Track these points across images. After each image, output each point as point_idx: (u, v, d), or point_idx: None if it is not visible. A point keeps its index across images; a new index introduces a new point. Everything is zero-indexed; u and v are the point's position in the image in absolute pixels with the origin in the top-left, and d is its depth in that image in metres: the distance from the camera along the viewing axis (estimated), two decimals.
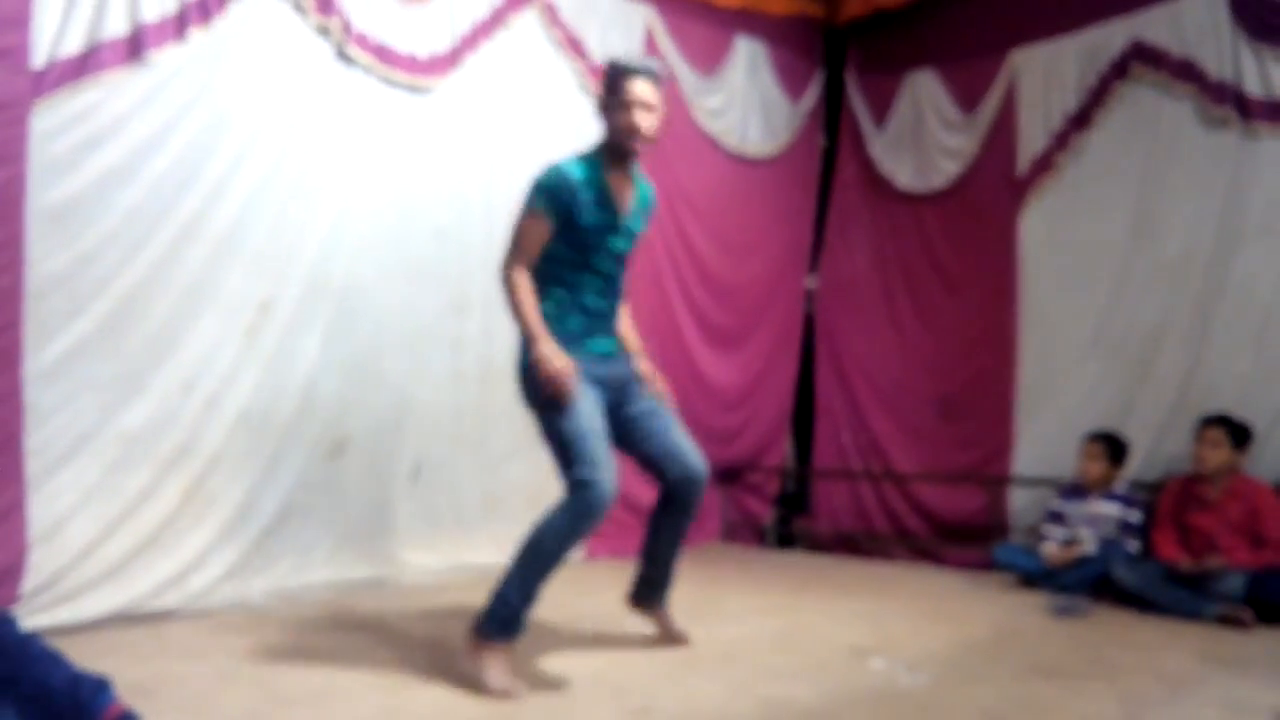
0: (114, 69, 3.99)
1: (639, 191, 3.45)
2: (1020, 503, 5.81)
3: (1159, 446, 5.23)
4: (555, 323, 3.26)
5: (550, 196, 3.23)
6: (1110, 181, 5.70)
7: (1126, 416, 5.40)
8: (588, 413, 3.19)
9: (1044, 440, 5.73)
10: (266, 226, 4.46)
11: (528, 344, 3.20)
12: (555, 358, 3.13)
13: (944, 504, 6.25)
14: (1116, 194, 5.67)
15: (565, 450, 3.15)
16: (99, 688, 1.95)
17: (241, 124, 4.39)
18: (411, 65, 4.92)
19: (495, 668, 3.09)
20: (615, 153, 3.34)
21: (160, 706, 2.74)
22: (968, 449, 6.22)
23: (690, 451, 3.49)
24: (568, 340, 3.25)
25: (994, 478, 5.99)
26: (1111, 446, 5.01)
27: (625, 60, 3.32)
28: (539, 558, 3.13)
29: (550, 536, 3.12)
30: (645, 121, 3.29)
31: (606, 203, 3.31)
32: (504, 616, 3.14)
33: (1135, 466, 5.22)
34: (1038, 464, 5.72)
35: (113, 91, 4.00)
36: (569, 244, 3.28)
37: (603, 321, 3.40)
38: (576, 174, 3.26)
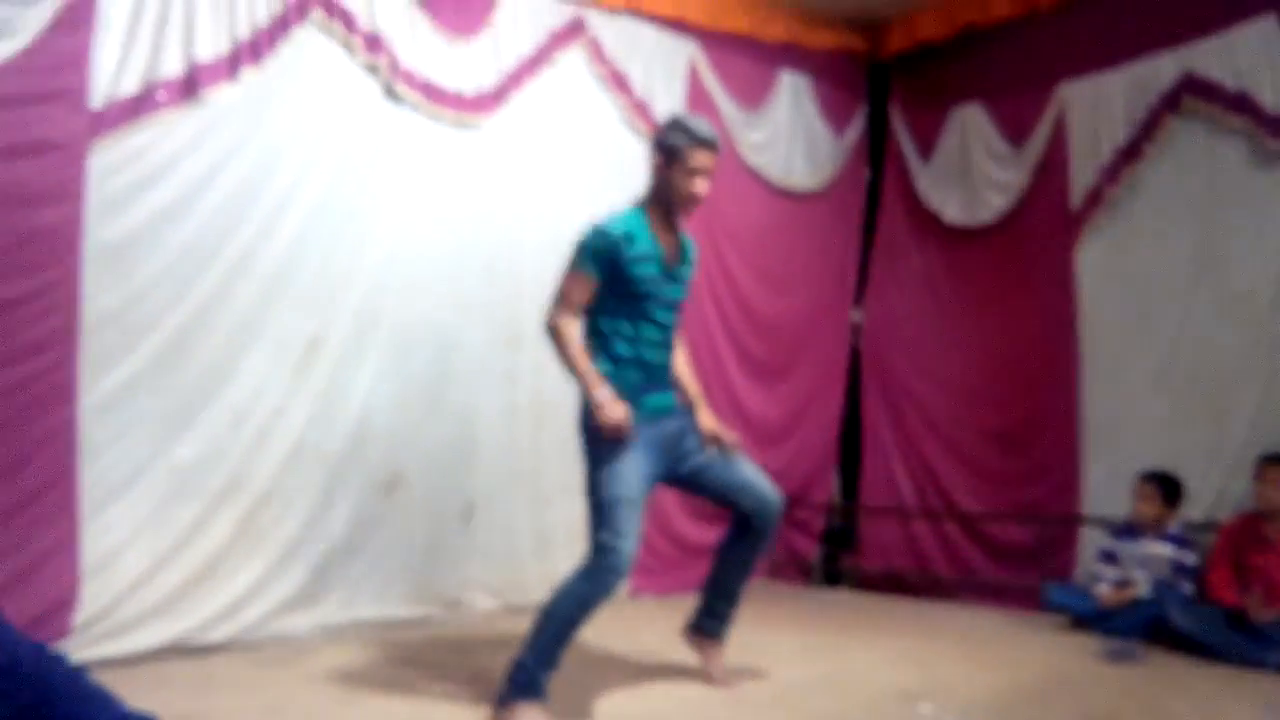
0: (169, 108, 4.06)
1: (681, 242, 3.48)
2: (1088, 541, 5.68)
3: (1229, 486, 5.09)
4: (618, 374, 3.29)
5: (594, 257, 3.27)
6: (1168, 215, 5.61)
7: (1195, 454, 5.29)
8: (631, 480, 3.20)
9: (1112, 477, 5.53)
10: (316, 263, 4.51)
11: (583, 390, 3.24)
12: (611, 403, 3.16)
13: (1001, 541, 6.16)
14: (1175, 228, 5.57)
15: (597, 512, 3.20)
16: None
17: (291, 161, 4.44)
18: (458, 102, 4.97)
19: (526, 716, 3.09)
20: (665, 209, 3.39)
21: None
22: (1030, 485, 6.12)
23: (764, 482, 3.53)
24: (628, 397, 3.27)
25: (1052, 516, 5.89)
26: (1165, 487, 4.91)
27: (693, 126, 3.34)
28: (556, 622, 3.15)
29: (565, 601, 3.15)
30: (704, 190, 3.35)
31: (655, 253, 3.34)
32: (523, 683, 3.14)
33: (1205, 506, 5.12)
34: (1106, 502, 5.59)
35: (167, 131, 4.07)
36: (623, 297, 3.30)
37: (660, 374, 3.42)
38: (621, 229, 3.29)
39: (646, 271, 3.31)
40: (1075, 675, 4.05)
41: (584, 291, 3.28)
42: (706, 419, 3.54)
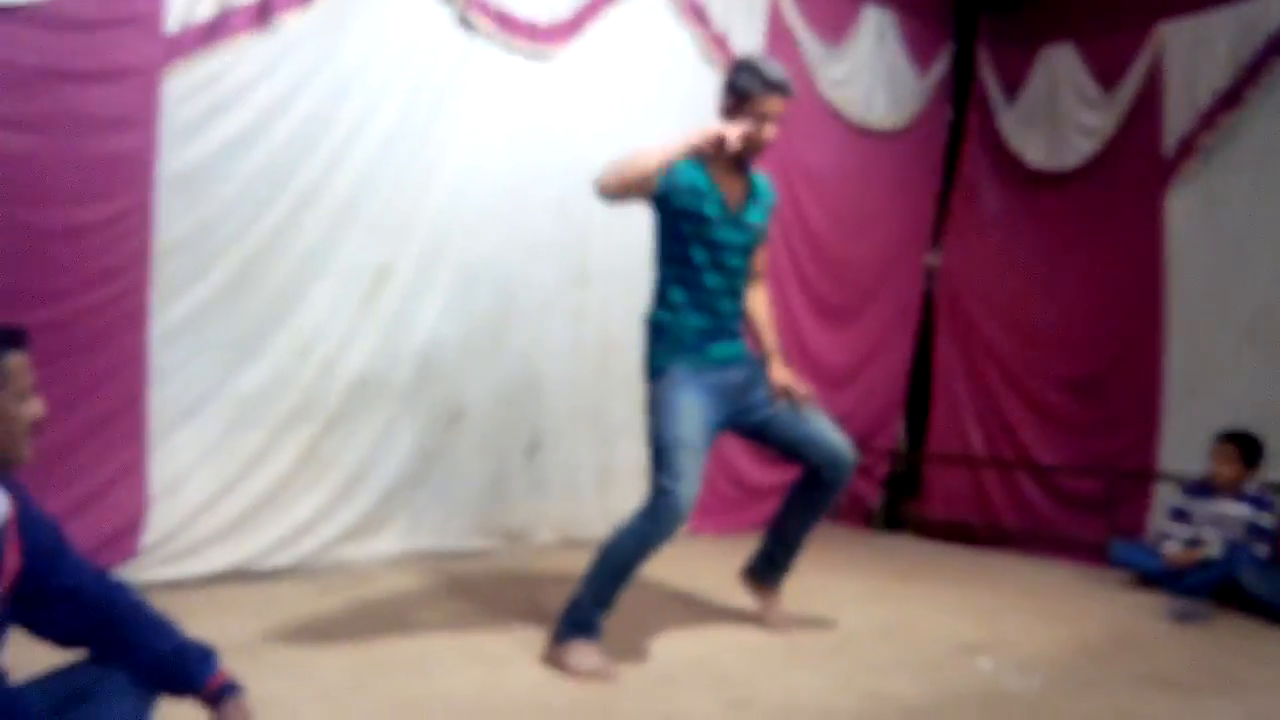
0: (242, 34, 4.04)
1: (753, 186, 3.39)
2: (1162, 497, 5.54)
3: None
4: (677, 321, 3.25)
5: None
6: (1267, 165, 5.39)
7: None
8: (690, 423, 3.16)
9: (1191, 432, 5.37)
10: (385, 194, 4.49)
11: (656, 332, 3.27)
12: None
13: (1071, 493, 6.06)
14: (1273, 180, 5.35)
15: (657, 455, 3.16)
16: (204, 656, 1.97)
17: (362, 91, 4.40)
18: (532, 32, 4.88)
19: (581, 654, 3.09)
20: (732, 154, 3.26)
21: (260, 668, 2.79)
22: (1106, 437, 5.99)
23: (837, 436, 3.46)
24: (689, 344, 3.24)
25: (1124, 470, 5.76)
26: (1245, 447, 4.75)
27: (766, 70, 3.24)
28: (613, 563, 3.14)
29: (623, 542, 3.13)
30: (773, 136, 3.26)
31: (714, 196, 3.26)
32: (578, 621, 3.14)
33: None
34: (1183, 457, 5.44)
35: (240, 57, 4.04)
36: (681, 240, 3.25)
37: (727, 322, 3.35)
38: (682, 179, 3.21)
39: (701, 211, 3.23)
40: (1139, 635, 3.97)
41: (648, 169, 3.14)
42: (779, 371, 3.47)
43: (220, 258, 4.03)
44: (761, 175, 3.45)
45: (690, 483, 3.07)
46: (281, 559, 4.17)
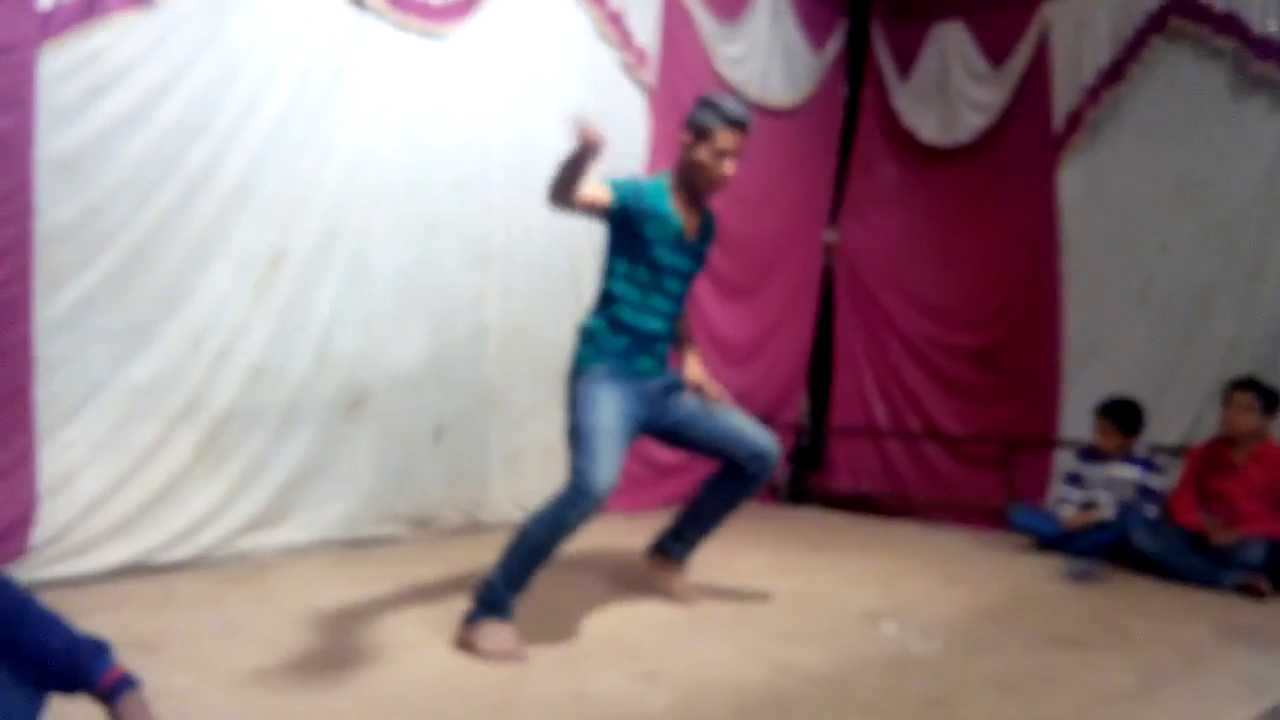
0: (122, 11, 3.89)
1: (704, 218, 3.45)
2: (1062, 462, 5.70)
3: (1206, 410, 5.11)
4: (610, 331, 3.27)
5: (619, 186, 3.22)
6: (1151, 138, 5.59)
7: (1173, 377, 5.33)
8: (609, 412, 3.17)
9: (1091, 397, 5.48)
10: (278, 176, 4.38)
11: (588, 329, 3.26)
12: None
13: (973, 461, 6.21)
14: (1158, 150, 5.55)
15: (574, 441, 3.16)
16: (97, 651, 1.91)
17: (252, 70, 4.28)
18: (425, 11, 4.81)
19: (491, 635, 3.07)
20: (690, 186, 3.35)
21: (163, 662, 2.73)
22: (1008, 404, 6.15)
23: (760, 430, 3.53)
24: (616, 352, 3.27)
25: (1021, 438, 5.92)
26: (1120, 419, 4.91)
27: (724, 106, 3.28)
28: (528, 546, 3.12)
29: (539, 525, 3.11)
30: (732, 171, 3.32)
31: (674, 224, 3.30)
32: (490, 602, 3.13)
33: (1182, 430, 5.16)
34: (1084, 423, 5.56)
35: (121, 35, 3.89)
36: (636, 262, 3.28)
37: (658, 343, 3.39)
38: (649, 191, 3.28)
39: (663, 237, 3.28)
40: (1038, 595, 4.10)
41: (597, 196, 3.15)
42: (694, 368, 3.55)
43: (108, 244, 3.89)
44: (709, 211, 3.50)
45: (607, 466, 3.07)
46: (180, 553, 4.05)
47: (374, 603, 3.62)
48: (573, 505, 3.06)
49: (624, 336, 3.29)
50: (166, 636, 3.10)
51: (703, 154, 3.28)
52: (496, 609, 3.12)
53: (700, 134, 3.28)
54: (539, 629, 3.25)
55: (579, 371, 3.28)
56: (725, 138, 3.26)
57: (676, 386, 3.47)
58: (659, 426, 3.44)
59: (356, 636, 3.20)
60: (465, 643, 3.09)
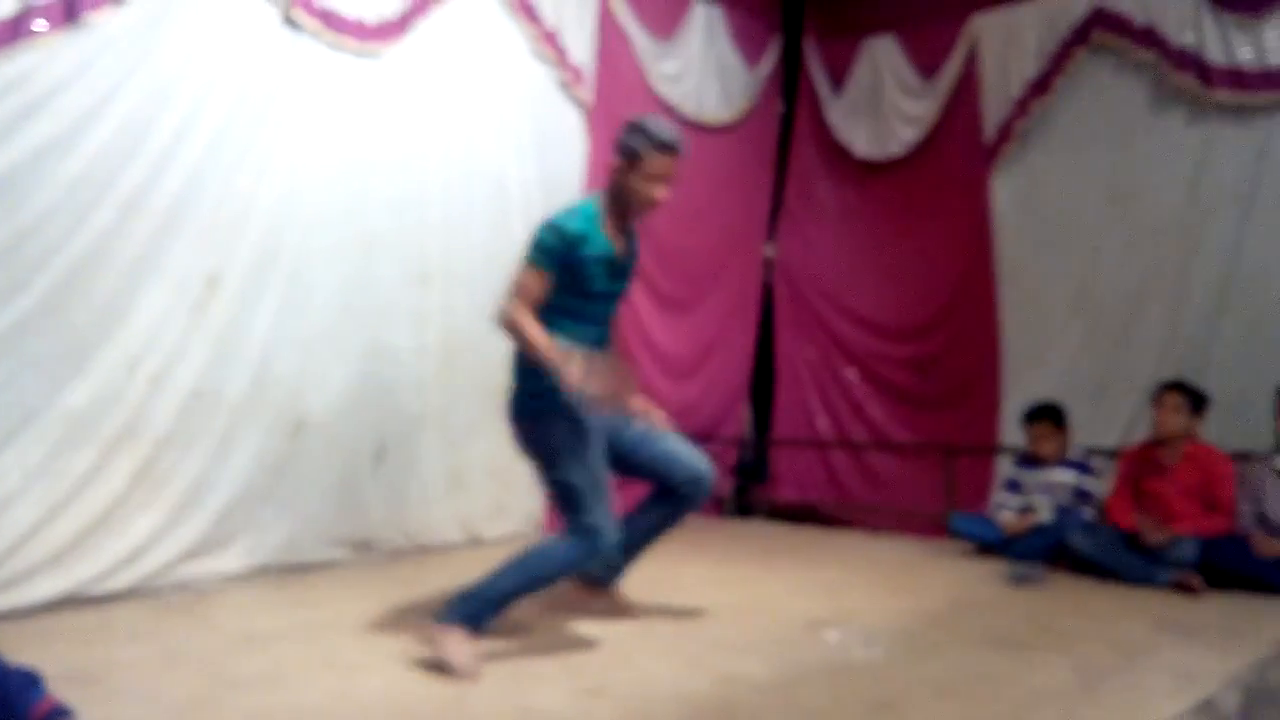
0: (49, 32, 3.85)
1: (631, 241, 3.46)
2: (1003, 467, 5.78)
3: (1142, 412, 5.21)
4: (546, 377, 3.19)
5: (550, 254, 3.20)
6: (1078, 147, 5.73)
7: (1109, 380, 5.45)
8: (596, 462, 3.21)
9: (1031, 402, 5.62)
10: (213, 198, 4.34)
11: (534, 368, 3.14)
12: (577, 370, 3.02)
13: (916, 469, 6.28)
14: (1086, 160, 5.69)
15: (576, 498, 3.18)
16: (28, 683, 1.89)
17: (185, 92, 4.25)
18: (360, 30, 4.79)
19: (459, 646, 3.06)
20: (621, 210, 3.33)
21: (103, 693, 2.69)
22: (951, 411, 6.24)
23: (694, 455, 3.53)
24: (555, 385, 3.20)
25: (958, 446, 6.00)
26: (1058, 416, 5.01)
27: (654, 130, 3.26)
28: (528, 578, 3.19)
29: (548, 564, 3.19)
30: (664, 196, 3.30)
31: (607, 252, 3.30)
32: (473, 613, 3.14)
33: (1119, 432, 5.26)
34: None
35: (49, 57, 3.86)
36: (572, 293, 3.26)
37: None
38: (577, 228, 3.23)
39: (597, 270, 3.28)
40: (978, 599, 4.15)
41: (540, 287, 3.19)
42: (637, 401, 3.55)
43: (42, 268, 3.82)
44: (634, 230, 3.50)
45: (612, 517, 3.16)
46: (117, 582, 3.98)
47: (317, 627, 3.59)
48: (587, 555, 3.17)
49: None
50: (105, 668, 3.04)
51: (633, 179, 3.26)
52: (474, 621, 3.13)
53: (630, 159, 3.25)
54: (483, 646, 3.24)
55: (538, 413, 3.24)
56: (656, 163, 3.24)
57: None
58: (613, 448, 3.41)
59: (300, 661, 3.16)
60: (432, 638, 3.10)
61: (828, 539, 5.78)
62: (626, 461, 3.48)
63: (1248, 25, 5.07)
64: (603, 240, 3.29)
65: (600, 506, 3.15)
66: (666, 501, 3.57)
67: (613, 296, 3.42)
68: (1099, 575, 4.46)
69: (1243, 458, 4.57)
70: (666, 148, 3.25)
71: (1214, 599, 4.07)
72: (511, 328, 3.17)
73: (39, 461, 3.82)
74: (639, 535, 3.64)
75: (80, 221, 3.94)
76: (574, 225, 3.24)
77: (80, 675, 2.82)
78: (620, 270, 3.40)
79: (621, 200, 3.32)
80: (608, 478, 3.25)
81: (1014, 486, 5.07)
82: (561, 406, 3.12)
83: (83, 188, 3.94)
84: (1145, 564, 4.35)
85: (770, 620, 3.75)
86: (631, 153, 3.25)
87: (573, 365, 3.03)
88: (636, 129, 3.28)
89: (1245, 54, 5.10)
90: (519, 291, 3.19)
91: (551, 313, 3.25)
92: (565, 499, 3.22)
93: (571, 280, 3.25)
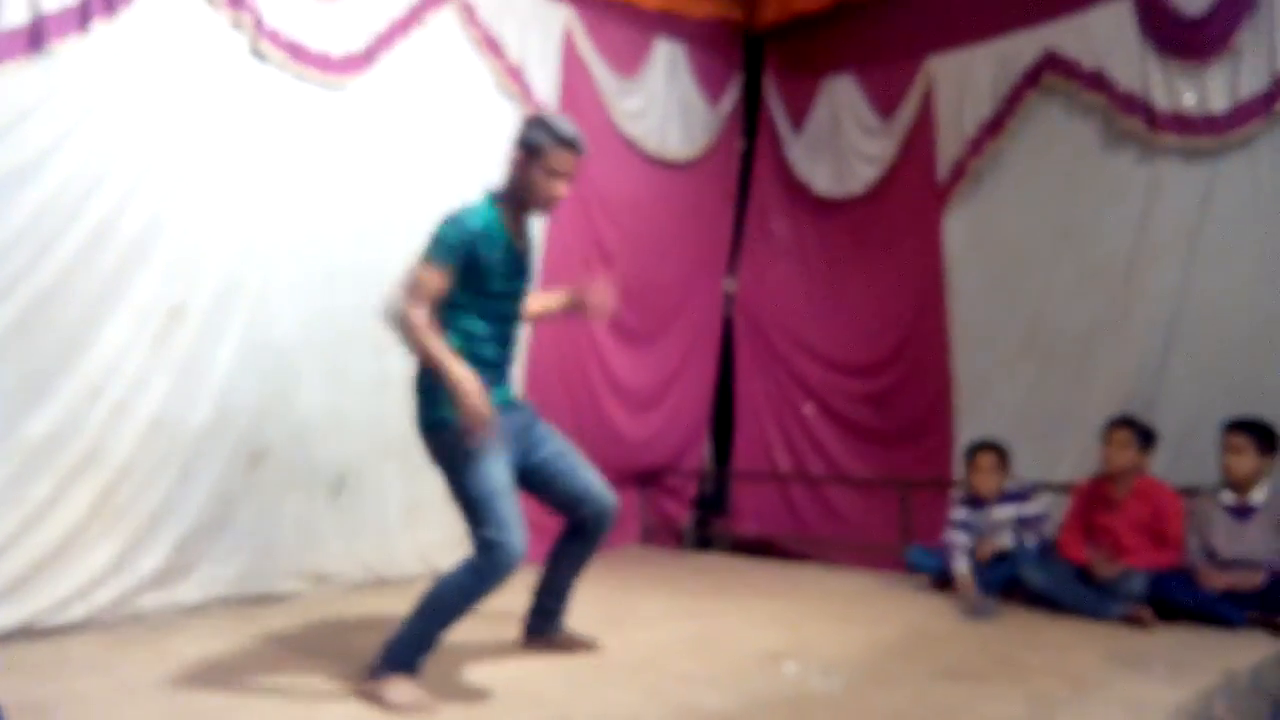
0: (13, 60, 3.87)
1: (526, 231, 3.43)
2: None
3: (1092, 447, 5.25)
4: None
5: (450, 250, 3.16)
6: (1030, 187, 5.84)
7: (1060, 416, 5.53)
8: (497, 472, 3.16)
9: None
10: (178, 228, 4.37)
11: (436, 379, 3.10)
12: (480, 391, 3.03)
13: (872, 503, 6.34)
14: (1037, 199, 5.80)
15: (475, 510, 3.12)
16: None
17: (151, 121, 4.28)
18: (325, 63, 4.84)
19: (397, 688, 3.05)
20: (520, 206, 3.32)
21: None
22: (906, 447, 6.30)
23: (600, 486, 3.51)
24: None
25: (914, 480, 6.07)
26: (1001, 452, 5.07)
27: (556, 126, 3.25)
28: (440, 611, 3.13)
29: (455, 592, 3.11)
30: (564, 193, 3.29)
31: (509, 249, 3.29)
32: (400, 661, 3.12)
33: (1070, 467, 5.33)
34: None
35: (14, 85, 3.87)
36: (473, 290, 3.22)
37: (499, 371, 3.36)
38: (479, 224, 3.20)
39: (500, 268, 3.26)
40: (935, 631, 4.20)
41: (438, 284, 3.14)
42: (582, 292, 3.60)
43: (6, 296, 3.84)
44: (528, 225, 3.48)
45: (518, 530, 3.08)
46: (73, 613, 3.96)
47: (276, 659, 3.58)
48: (492, 574, 3.07)
49: (475, 372, 3.15)
50: (61, 700, 3.02)
51: (535, 173, 3.24)
52: (404, 666, 3.11)
53: (531, 152, 3.23)
54: (442, 677, 3.25)
55: (442, 423, 3.18)
56: (557, 158, 3.22)
57: (533, 419, 3.47)
58: (521, 466, 3.37)
59: (259, 693, 3.16)
60: (370, 695, 3.07)
61: (786, 572, 5.82)
62: (543, 484, 3.45)
63: (1192, 71, 5.21)
64: (503, 236, 3.26)
65: (499, 519, 3.07)
66: (574, 540, 3.58)
67: (512, 295, 3.37)
68: (1052, 608, 4.51)
69: (1190, 492, 4.65)
70: (568, 144, 3.24)
71: (1163, 631, 4.13)
72: (408, 330, 3.10)
73: None
74: (560, 579, 3.66)
75: (45, 250, 3.96)
76: (475, 221, 3.21)
77: (35, 707, 2.80)
78: (519, 268, 3.36)
79: (520, 194, 3.29)
80: (511, 489, 3.18)
81: (966, 527, 5.06)
82: (456, 419, 3.09)
83: (48, 216, 3.96)
84: (1097, 597, 4.41)
85: (728, 652, 3.77)
86: (533, 146, 3.23)
87: (471, 380, 3.01)
88: (539, 123, 3.28)
89: (1189, 99, 5.24)
90: (416, 289, 3.11)
91: (450, 310, 3.20)
92: (467, 512, 3.15)
93: (471, 278, 3.20)
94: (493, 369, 3.30)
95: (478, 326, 3.26)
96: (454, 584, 3.11)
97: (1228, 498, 4.47)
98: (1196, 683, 3.31)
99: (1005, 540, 4.87)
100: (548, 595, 3.70)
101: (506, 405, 3.33)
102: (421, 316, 3.10)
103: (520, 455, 3.35)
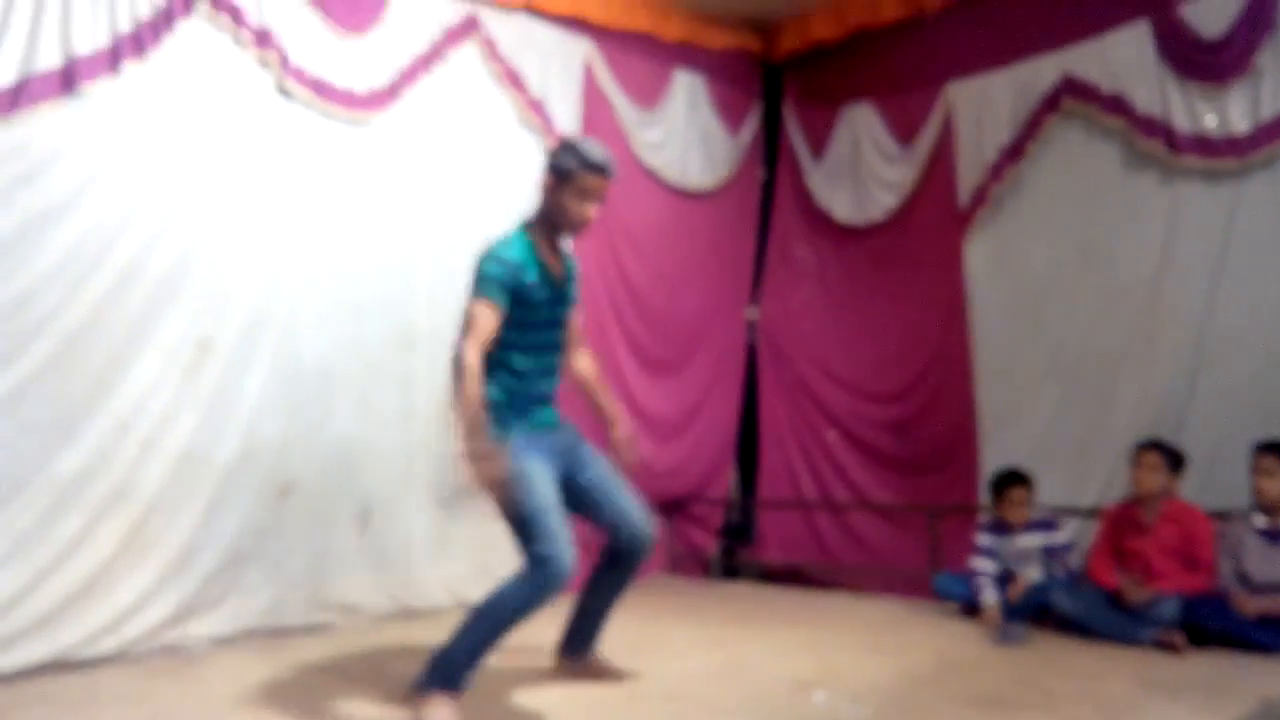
0: (47, 101, 3.94)
1: (565, 260, 3.48)
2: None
3: (1118, 471, 5.22)
4: (502, 414, 3.24)
5: (500, 285, 3.21)
6: (1051, 211, 5.83)
7: (1085, 441, 5.49)
8: (544, 488, 3.19)
9: (1008, 464, 5.66)
10: (206, 264, 4.43)
11: (486, 399, 3.15)
12: (489, 458, 3.04)
13: (899, 529, 6.31)
14: (1058, 224, 5.79)
15: (524, 526, 3.15)
16: None
17: (180, 159, 4.35)
18: (350, 100, 4.91)
19: (438, 710, 3.06)
20: (552, 230, 3.37)
21: None
22: (931, 474, 6.27)
23: (640, 514, 3.52)
24: (518, 412, 3.28)
25: (940, 507, 6.04)
26: (1027, 480, 5.03)
27: (585, 150, 3.29)
28: (492, 625, 3.14)
29: (508, 606, 3.13)
30: (594, 215, 3.34)
31: (546, 276, 3.34)
32: (447, 675, 3.13)
33: (1096, 492, 5.30)
34: None
35: (46, 126, 3.95)
36: (518, 324, 3.27)
37: (547, 392, 3.43)
38: (516, 255, 3.26)
39: (539, 296, 3.31)
40: (965, 659, 4.16)
41: (493, 321, 3.18)
42: (624, 428, 3.60)
43: (38, 335, 3.90)
44: (568, 252, 3.52)
45: (567, 544, 3.10)
46: (103, 647, 3.98)
47: (305, 690, 3.59)
48: (544, 587, 3.08)
49: (523, 403, 3.31)
50: None
51: (565, 196, 3.29)
52: (451, 682, 3.13)
53: (562, 177, 3.28)
54: (475, 706, 3.24)
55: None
56: (587, 180, 3.27)
57: (578, 438, 3.49)
58: (567, 485, 3.39)
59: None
60: (413, 706, 3.09)
61: (813, 600, 5.79)
62: (588, 503, 3.46)
63: (1212, 93, 5.21)
64: (540, 265, 3.32)
65: (549, 533, 3.10)
66: (612, 568, 3.58)
67: (556, 324, 3.42)
68: (1082, 634, 4.47)
69: (1221, 516, 4.61)
70: (597, 168, 3.28)
71: (1196, 657, 4.09)
72: (458, 370, 3.13)
73: (29, 527, 3.86)
74: (597, 606, 3.66)
75: (76, 289, 4.01)
76: (511, 252, 3.26)
77: None
78: (560, 295, 3.41)
79: (552, 219, 3.35)
80: (558, 505, 3.21)
81: (991, 554, 5.03)
82: (506, 438, 3.14)
83: (79, 255, 4.02)
84: (1128, 622, 4.37)
85: (757, 681, 3.76)
86: (563, 171, 3.28)
87: (484, 443, 3.03)
88: (569, 148, 3.32)
89: (1210, 121, 5.23)
90: (472, 329, 3.15)
91: (501, 351, 3.25)
92: (516, 529, 3.18)
93: (515, 310, 3.24)
94: (546, 390, 3.41)
95: (527, 363, 3.32)
96: (505, 598, 3.13)
97: (1260, 521, 4.43)
98: (1233, 711, 3.28)
99: (1033, 574, 4.83)
100: (584, 621, 3.71)
101: (552, 426, 3.41)
102: (474, 357, 3.12)
103: (565, 473, 3.38)
